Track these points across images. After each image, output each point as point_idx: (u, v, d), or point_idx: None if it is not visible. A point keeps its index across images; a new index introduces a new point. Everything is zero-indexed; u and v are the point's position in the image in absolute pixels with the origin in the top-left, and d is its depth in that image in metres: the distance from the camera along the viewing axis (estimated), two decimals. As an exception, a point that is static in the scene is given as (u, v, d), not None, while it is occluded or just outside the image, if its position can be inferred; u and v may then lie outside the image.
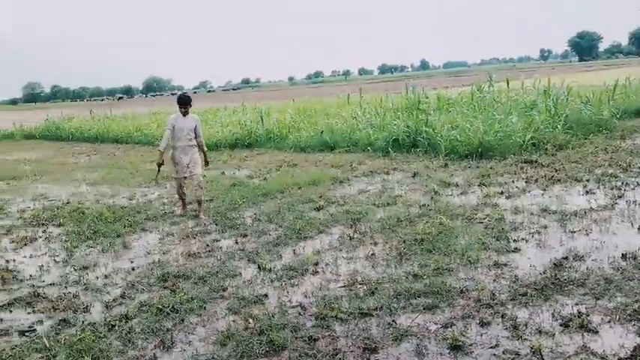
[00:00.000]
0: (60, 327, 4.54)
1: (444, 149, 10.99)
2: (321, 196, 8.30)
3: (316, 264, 5.51)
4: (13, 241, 7.37)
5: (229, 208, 8.11)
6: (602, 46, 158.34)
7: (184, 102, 7.78)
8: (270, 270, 5.44)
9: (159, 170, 7.97)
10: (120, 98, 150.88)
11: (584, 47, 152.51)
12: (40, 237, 7.50)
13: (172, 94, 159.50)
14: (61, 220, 8.30)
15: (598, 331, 3.71)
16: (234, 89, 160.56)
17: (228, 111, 24.90)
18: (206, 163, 8.25)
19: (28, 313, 4.95)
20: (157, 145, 18.62)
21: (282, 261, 5.71)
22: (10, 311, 5.02)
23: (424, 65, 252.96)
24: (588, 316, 3.91)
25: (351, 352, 3.76)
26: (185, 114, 7.77)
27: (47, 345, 4.17)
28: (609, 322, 3.83)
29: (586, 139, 11.42)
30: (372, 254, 5.65)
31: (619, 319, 3.84)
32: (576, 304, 4.12)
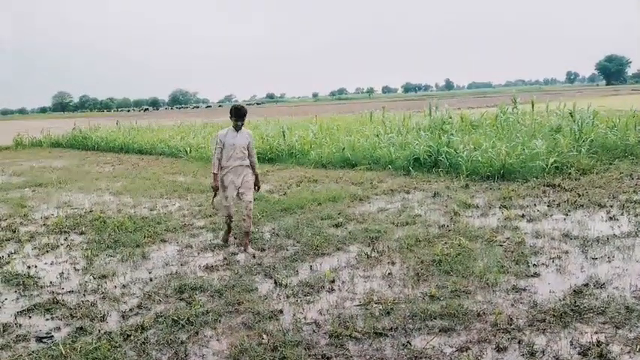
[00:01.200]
0: (77, 335, 4.59)
1: (465, 170, 10.91)
2: (340, 213, 8.29)
3: (333, 281, 5.49)
4: (35, 248, 7.50)
5: (248, 222, 8.14)
6: (631, 71, 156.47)
7: (240, 114, 6.61)
8: (286, 286, 5.44)
9: (215, 195, 7.04)
10: (146, 110, 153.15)
11: (612, 71, 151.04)
12: (62, 244, 7.62)
13: (195, 107, 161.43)
14: (83, 229, 8.43)
15: (617, 362, 3.63)
16: (258, 104, 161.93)
17: (251, 125, 25.10)
18: (257, 187, 6.97)
19: (47, 319, 5.02)
20: (180, 156, 19.05)
21: (298, 277, 5.70)
22: (29, 317, 5.10)
23: (449, 85, 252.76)
24: (607, 345, 3.83)
25: (364, 372, 3.72)
26: (239, 128, 6.67)
27: (63, 352, 4.21)
28: (629, 352, 3.74)
29: (611, 164, 11.25)
30: (389, 274, 5.62)
31: (639, 349, 3.76)
32: (595, 333, 4.04)
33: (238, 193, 6.72)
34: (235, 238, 7.26)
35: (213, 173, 6.70)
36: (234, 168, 6.67)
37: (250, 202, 6.76)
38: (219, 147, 6.66)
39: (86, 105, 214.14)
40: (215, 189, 6.82)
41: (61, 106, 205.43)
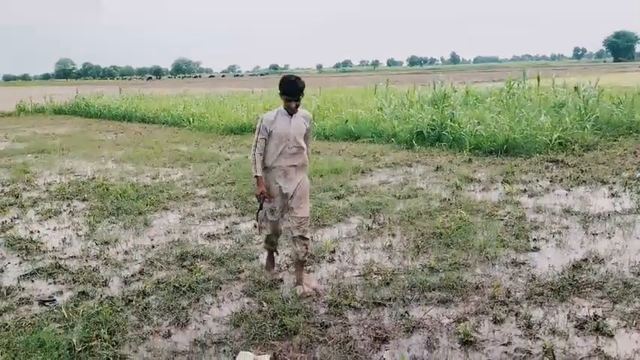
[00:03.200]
0: (79, 299, 4.65)
1: (468, 144, 10.87)
2: (342, 186, 8.29)
3: (333, 252, 5.53)
4: (38, 213, 7.54)
5: (250, 192, 8.14)
6: (639, 48, 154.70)
7: (295, 91, 4.49)
8: (286, 255, 5.47)
9: (261, 207, 4.76)
10: (149, 78, 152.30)
11: (621, 47, 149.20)
12: (65, 210, 7.66)
13: (196, 77, 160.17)
14: (86, 195, 8.47)
15: (613, 335, 3.66)
16: (262, 75, 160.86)
17: (255, 95, 24.98)
18: None
19: (49, 283, 5.08)
20: (183, 126, 18.96)
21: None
22: (32, 281, 5.16)
23: (454, 59, 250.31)
24: (604, 319, 3.86)
25: (362, 340, 3.77)
26: (293, 111, 4.58)
27: (66, 315, 4.27)
28: (625, 326, 3.78)
29: (615, 140, 11.20)
30: (389, 245, 5.65)
31: (636, 324, 3.79)
32: (593, 307, 4.07)
33: (291, 204, 4.62)
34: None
35: (256, 177, 4.61)
36: (285, 169, 4.57)
37: (305, 218, 4.66)
38: (262, 137, 4.54)
39: (89, 72, 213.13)
40: (261, 198, 4.67)
41: (64, 73, 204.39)
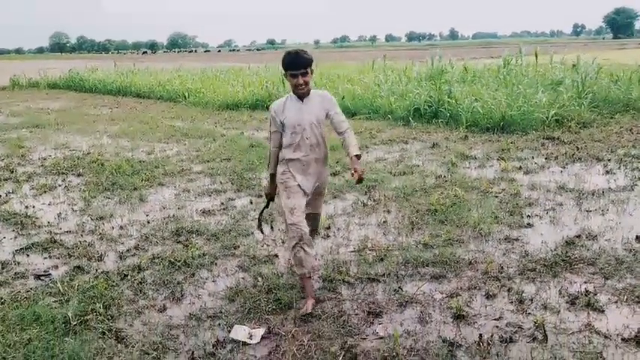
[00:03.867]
0: (74, 273, 4.66)
1: (465, 121, 10.84)
2: (337, 162, 8.28)
3: (328, 228, 5.54)
4: (33, 188, 7.53)
5: (246, 169, 8.15)
6: (639, 24, 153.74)
7: (298, 63, 3.80)
8: (282, 231, 5.49)
9: (267, 205, 4.46)
10: (144, 53, 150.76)
11: (620, 24, 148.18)
12: (60, 185, 7.64)
13: (190, 52, 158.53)
14: (81, 170, 8.44)
15: (604, 311, 3.70)
16: (258, 49, 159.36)
17: (251, 71, 24.79)
18: (358, 177, 3.88)
19: (44, 258, 5.09)
20: (178, 101, 18.87)
21: (294, 223, 5.74)
22: (28, 255, 5.17)
23: (453, 35, 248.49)
24: (596, 295, 3.90)
25: (356, 314, 3.81)
26: (304, 93, 3.90)
27: (61, 290, 4.29)
28: (616, 302, 3.82)
29: (612, 118, 11.18)
30: (384, 222, 5.67)
31: (626, 299, 3.83)
32: (585, 283, 4.11)
33: (311, 201, 4.20)
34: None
35: (271, 174, 4.16)
36: (305, 162, 3.99)
37: (319, 214, 4.46)
38: (275, 130, 4.01)
39: (84, 46, 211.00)
40: (269, 197, 4.31)
41: (58, 46, 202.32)
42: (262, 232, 4.66)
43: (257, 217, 4.63)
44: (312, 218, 4.32)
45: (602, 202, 5.99)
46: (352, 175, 3.86)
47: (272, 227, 5.53)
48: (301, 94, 3.89)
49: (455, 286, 4.16)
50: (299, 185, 3.98)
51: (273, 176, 4.14)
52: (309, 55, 3.87)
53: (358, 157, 3.92)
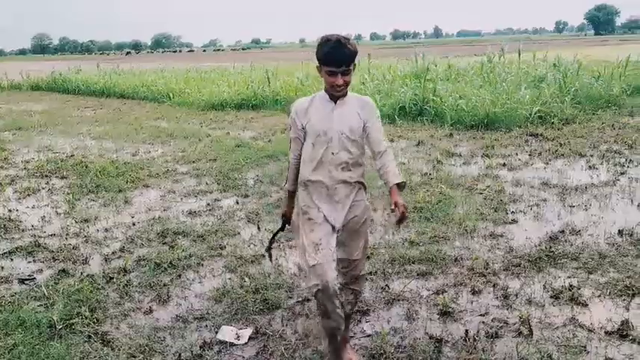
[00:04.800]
0: (59, 277, 4.62)
1: (450, 119, 10.91)
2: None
3: (314, 227, 5.54)
4: (16, 191, 7.44)
5: (232, 169, 8.13)
6: (620, 20, 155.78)
7: (341, 57, 2.83)
8: (269, 231, 5.48)
9: (282, 228, 3.51)
10: (128, 53, 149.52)
11: (602, 21, 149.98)
12: (43, 188, 7.57)
13: (174, 52, 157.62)
14: (65, 173, 8.36)
15: (587, 305, 3.75)
16: (243, 49, 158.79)
17: (235, 70, 24.69)
18: (398, 218, 2.86)
19: (29, 262, 5.04)
20: (163, 101, 18.77)
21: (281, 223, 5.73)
22: (11, 260, 5.11)
23: (437, 33, 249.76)
24: (579, 289, 3.95)
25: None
26: (339, 94, 2.96)
27: (46, 294, 4.25)
28: (599, 296, 3.87)
29: (594, 114, 11.32)
30: (370, 220, 5.67)
31: (609, 293, 3.88)
32: (568, 277, 4.16)
33: (344, 240, 3.04)
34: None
35: (288, 190, 3.28)
36: (329, 186, 2.96)
37: (358, 261, 3.13)
38: (295, 137, 3.08)
39: (66, 47, 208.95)
40: (285, 219, 3.39)
41: (41, 48, 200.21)
42: (271, 259, 3.71)
43: (268, 240, 3.64)
44: (348, 267, 3.09)
45: (585, 197, 6.07)
46: (392, 210, 2.86)
47: (259, 227, 5.53)
48: (338, 96, 2.95)
49: (441, 283, 4.19)
50: (325, 216, 2.95)
51: (291, 194, 3.24)
52: (354, 45, 2.87)
53: (400, 186, 2.91)
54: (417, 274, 4.35)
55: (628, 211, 5.57)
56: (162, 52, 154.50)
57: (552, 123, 10.37)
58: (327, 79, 2.91)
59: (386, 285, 4.19)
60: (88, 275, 4.62)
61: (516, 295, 3.92)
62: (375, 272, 4.41)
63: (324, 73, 2.91)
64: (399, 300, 3.97)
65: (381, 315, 3.79)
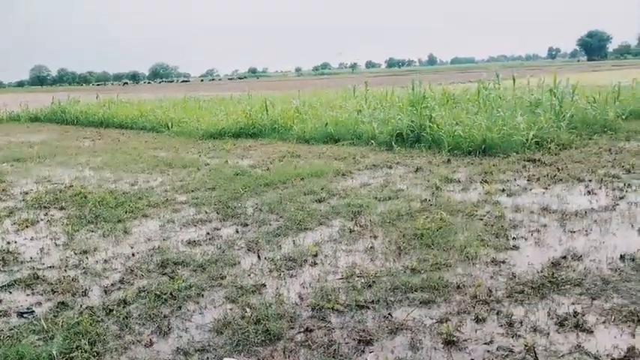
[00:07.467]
0: (58, 310, 4.57)
1: (447, 145, 10.97)
2: (323, 188, 8.30)
3: (315, 255, 5.52)
4: (14, 223, 7.41)
5: (231, 198, 8.13)
6: (612, 47, 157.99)
7: None
8: (269, 260, 5.46)
9: None
10: (125, 84, 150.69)
11: (594, 47, 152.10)
12: (42, 220, 7.54)
13: (170, 82, 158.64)
14: (63, 204, 8.34)
15: (593, 331, 3.72)
16: (240, 78, 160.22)
17: (233, 100, 24.87)
18: None
19: (27, 294, 4.99)
20: (162, 131, 18.80)
21: (281, 251, 5.72)
22: (10, 292, 5.06)
23: (432, 60, 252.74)
24: (584, 315, 3.92)
25: (346, 343, 3.78)
26: None
27: (45, 327, 4.20)
28: (604, 322, 3.84)
29: (590, 139, 11.39)
30: (371, 247, 5.67)
31: (614, 319, 3.85)
32: (572, 304, 4.13)
33: None
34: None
35: None
36: None
37: None
38: None
39: (64, 79, 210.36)
40: None
41: (39, 79, 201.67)
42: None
43: None
44: None
45: (586, 222, 6.06)
46: None
47: (259, 256, 5.51)
48: None
49: (444, 311, 4.16)
50: None
51: None
52: None
53: None
54: (420, 302, 4.32)
55: (629, 236, 5.56)
56: (160, 83, 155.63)
57: (549, 148, 10.43)
58: None
59: (389, 314, 4.16)
60: (87, 307, 4.58)
61: (521, 323, 3.89)
62: (378, 301, 4.37)
63: None
64: (402, 329, 3.93)
65: (384, 345, 3.74)
